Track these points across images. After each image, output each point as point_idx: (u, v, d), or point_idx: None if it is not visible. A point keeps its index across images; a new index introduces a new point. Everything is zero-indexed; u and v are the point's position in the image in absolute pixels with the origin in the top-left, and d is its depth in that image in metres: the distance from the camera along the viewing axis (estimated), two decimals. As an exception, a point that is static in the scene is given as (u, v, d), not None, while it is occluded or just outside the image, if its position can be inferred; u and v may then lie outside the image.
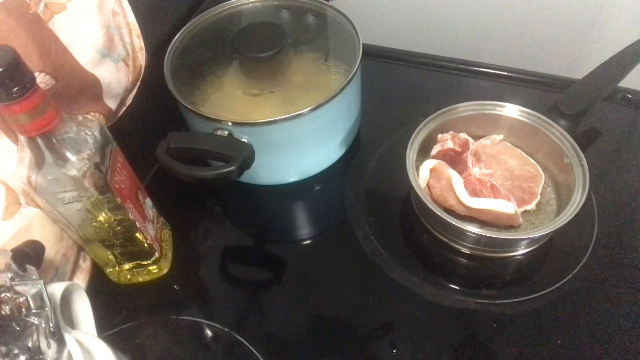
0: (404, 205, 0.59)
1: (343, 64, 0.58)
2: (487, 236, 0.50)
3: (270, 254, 0.59)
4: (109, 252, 0.50)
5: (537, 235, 0.50)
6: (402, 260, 0.54)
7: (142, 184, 0.53)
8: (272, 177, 0.61)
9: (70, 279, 0.50)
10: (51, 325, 0.32)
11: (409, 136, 0.56)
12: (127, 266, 0.53)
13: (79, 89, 0.47)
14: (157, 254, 0.53)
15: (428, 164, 0.55)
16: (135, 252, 0.51)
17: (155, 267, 0.54)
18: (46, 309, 0.32)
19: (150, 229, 0.51)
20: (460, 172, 0.54)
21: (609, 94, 0.60)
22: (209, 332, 0.51)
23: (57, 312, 0.34)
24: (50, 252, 0.46)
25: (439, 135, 0.58)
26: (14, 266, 0.33)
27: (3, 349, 0.30)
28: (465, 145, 0.56)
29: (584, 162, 0.52)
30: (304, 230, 0.61)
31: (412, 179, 0.52)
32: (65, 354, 0.33)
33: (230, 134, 0.52)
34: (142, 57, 0.53)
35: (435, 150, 0.57)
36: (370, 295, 0.52)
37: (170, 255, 0.56)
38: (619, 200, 0.57)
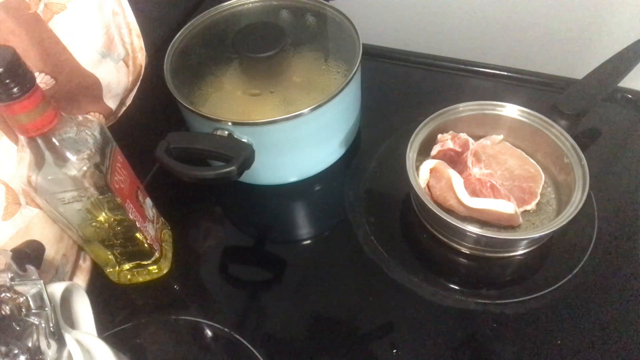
0: (404, 205, 0.59)
1: (343, 64, 0.58)
2: (487, 236, 0.50)
3: (270, 254, 0.59)
4: (109, 252, 0.50)
5: (537, 235, 0.50)
6: (402, 260, 0.54)
7: (142, 184, 0.53)
8: (272, 177, 0.61)
9: (70, 279, 0.51)
10: (51, 325, 0.32)
11: (409, 136, 0.56)
12: (127, 266, 0.53)
13: (79, 89, 0.47)
14: (157, 254, 0.53)
15: (428, 164, 0.55)
16: (135, 252, 0.51)
17: (155, 267, 0.54)
18: (46, 309, 0.32)
19: (150, 229, 0.51)
20: (460, 172, 0.54)
21: (609, 94, 0.60)
22: (209, 332, 0.51)
23: (57, 312, 0.34)
24: (50, 252, 0.46)
25: (439, 135, 0.58)
26: (14, 266, 0.34)
27: (3, 348, 0.30)
28: (465, 145, 0.56)
29: (584, 162, 0.52)
30: (304, 230, 0.61)
31: (412, 179, 0.52)
32: (65, 354, 0.33)
33: (230, 134, 0.52)
34: (142, 57, 0.53)
35: (435, 150, 0.57)
36: (370, 295, 0.52)
37: (170, 255, 0.56)
38: (619, 200, 0.57)
